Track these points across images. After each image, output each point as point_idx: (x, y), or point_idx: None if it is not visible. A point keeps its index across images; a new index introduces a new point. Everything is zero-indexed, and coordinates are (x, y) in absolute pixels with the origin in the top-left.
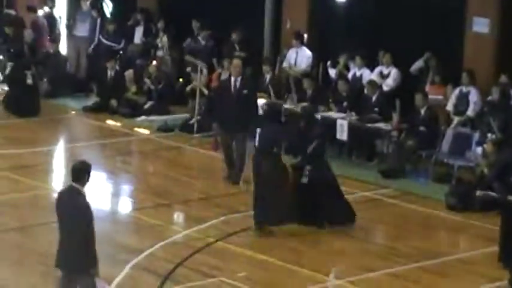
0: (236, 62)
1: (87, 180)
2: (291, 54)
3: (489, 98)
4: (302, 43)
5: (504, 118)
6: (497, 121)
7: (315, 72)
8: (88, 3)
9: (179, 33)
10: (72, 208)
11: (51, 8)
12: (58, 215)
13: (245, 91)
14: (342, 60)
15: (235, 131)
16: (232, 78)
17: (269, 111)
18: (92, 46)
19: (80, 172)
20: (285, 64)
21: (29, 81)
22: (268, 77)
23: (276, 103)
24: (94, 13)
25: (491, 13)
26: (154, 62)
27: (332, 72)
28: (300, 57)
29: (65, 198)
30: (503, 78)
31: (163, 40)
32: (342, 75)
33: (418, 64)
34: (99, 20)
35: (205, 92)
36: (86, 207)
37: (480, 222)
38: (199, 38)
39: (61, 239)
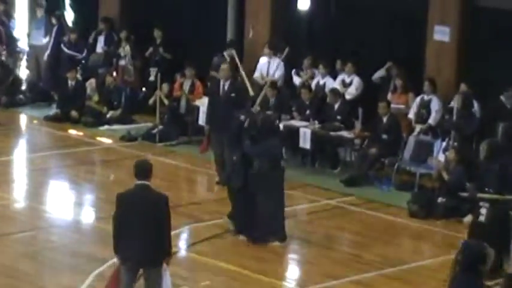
0: (224, 66)
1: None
2: (263, 64)
3: (450, 104)
4: (275, 53)
5: (467, 126)
6: (460, 129)
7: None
8: (43, 10)
9: (142, 43)
10: (153, 203)
11: (7, 15)
12: (133, 214)
13: (233, 94)
14: (305, 73)
15: (224, 132)
16: (221, 82)
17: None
18: (46, 54)
19: (147, 170)
20: (256, 74)
21: None
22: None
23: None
24: (53, 20)
25: (452, 21)
26: (114, 74)
27: (296, 80)
28: (272, 66)
29: (141, 195)
30: (463, 87)
31: (125, 49)
32: (304, 84)
33: (380, 73)
34: (55, 28)
35: (166, 101)
36: (166, 198)
37: (442, 229)
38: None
39: (140, 236)
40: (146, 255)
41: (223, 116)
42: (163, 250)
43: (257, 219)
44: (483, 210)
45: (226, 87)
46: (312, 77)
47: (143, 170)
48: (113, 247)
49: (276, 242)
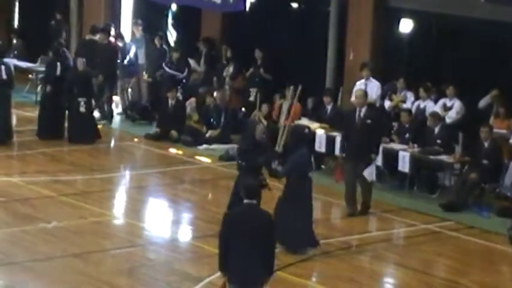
0: (360, 93)
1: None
2: (360, 86)
3: None
4: (372, 75)
5: None
6: None
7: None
8: (140, 28)
9: (242, 63)
10: (260, 222)
11: (120, 37)
12: (241, 233)
13: (369, 121)
14: (398, 96)
15: (359, 160)
16: (357, 108)
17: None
18: (159, 74)
19: (255, 189)
20: (353, 98)
21: (82, 109)
22: (329, 108)
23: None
24: (156, 41)
25: None
26: (215, 94)
27: (387, 104)
28: (369, 88)
29: (249, 214)
30: None
31: (228, 70)
32: (394, 108)
33: (486, 100)
34: (160, 47)
35: (264, 122)
36: (272, 217)
37: None
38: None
39: (246, 255)
40: (252, 275)
41: (360, 143)
42: (267, 270)
43: (289, 229)
44: None
45: (362, 114)
46: (404, 101)
47: (251, 190)
48: (219, 265)
49: (311, 249)
